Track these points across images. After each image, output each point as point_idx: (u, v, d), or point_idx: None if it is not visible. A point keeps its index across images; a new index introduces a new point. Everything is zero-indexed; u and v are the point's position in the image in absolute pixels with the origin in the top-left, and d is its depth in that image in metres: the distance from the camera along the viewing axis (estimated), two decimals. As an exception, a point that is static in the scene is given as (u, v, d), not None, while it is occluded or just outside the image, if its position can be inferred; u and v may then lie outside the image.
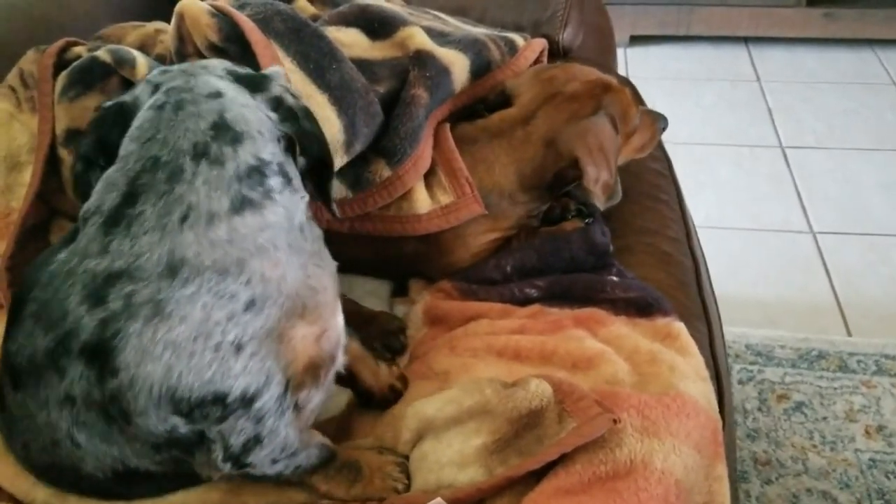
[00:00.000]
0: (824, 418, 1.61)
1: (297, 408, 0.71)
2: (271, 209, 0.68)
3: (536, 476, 0.74)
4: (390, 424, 0.85)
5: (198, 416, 0.64)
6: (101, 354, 0.63)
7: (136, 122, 0.70)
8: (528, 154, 1.04)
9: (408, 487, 0.79)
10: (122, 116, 0.72)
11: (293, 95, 0.76)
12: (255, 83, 0.75)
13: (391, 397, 0.92)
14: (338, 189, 1.00)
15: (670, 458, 0.73)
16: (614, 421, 0.74)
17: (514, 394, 0.80)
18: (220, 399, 0.64)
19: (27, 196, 0.95)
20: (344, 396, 0.95)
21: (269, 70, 0.79)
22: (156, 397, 0.63)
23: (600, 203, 1.03)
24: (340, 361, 0.78)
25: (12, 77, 1.04)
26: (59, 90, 0.98)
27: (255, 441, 0.68)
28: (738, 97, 2.71)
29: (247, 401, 0.65)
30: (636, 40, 2.98)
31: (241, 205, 0.66)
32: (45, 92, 0.99)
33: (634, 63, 2.90)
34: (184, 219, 0.64)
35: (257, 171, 0.68)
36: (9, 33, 1.11)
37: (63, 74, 0.99)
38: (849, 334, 1.83)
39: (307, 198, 0.74)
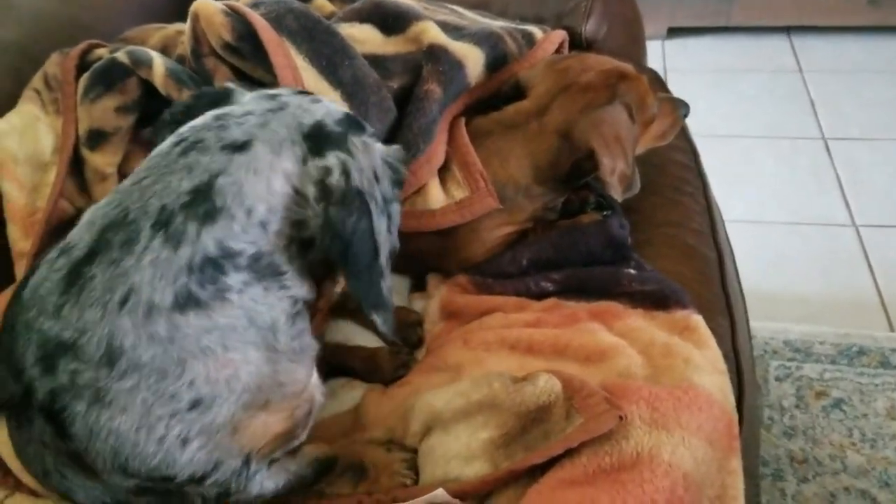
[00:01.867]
0: (864, 415, 1.56)
1: (274, 459, 0.70)
2: (222, 311, 0.62)
3: (541, 468, 0.73)
4: (400, 417, 0.85)
5: (157, 483, 0.63)
6: (55, 420, 0.62)
7: (153, 152, 0.68)
8: (543, 146, 1.03)
9: (416, 482, 0.79)
10: (215, 102, 0.72)
11: (351, 174, 0.65)
12: (321, 143, 0.66)
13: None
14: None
15: (679, 451, 0.72)
16: (620, 417, 0.73)
17: (522, 388, 0.79)
18: (169, 478, 0.63)
19: (51, 195, 0.97)
20: (359, 390, 0.95)
21: (360, 137, 0.69)
22: (110, 467, 0.62)
23: (617, 194, 1.01)
24: (320, 403, 0.75)
25: (37, 80, 1.06)
26: (81, 92, 1.00)
27: (227, 494, 0.67)
28: (780, 89, 2.65)
29: (197, 480, 0.64)
30: (674, 32, 2.93)
31: (185, 301, 0.60)
32: (69, 94, 1.01)
33: (673, 56, 2.86)
34: (123, 301, 0.60)
35: (212, 265, 0.61)
36: (35, 37, 1.13)
37: (84, 76, 1.01)
38: (891, 330, 1.78)
39: (300, 295, 0.67)
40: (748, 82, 2.70)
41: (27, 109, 1.03)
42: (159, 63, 0.98)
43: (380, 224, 0.66)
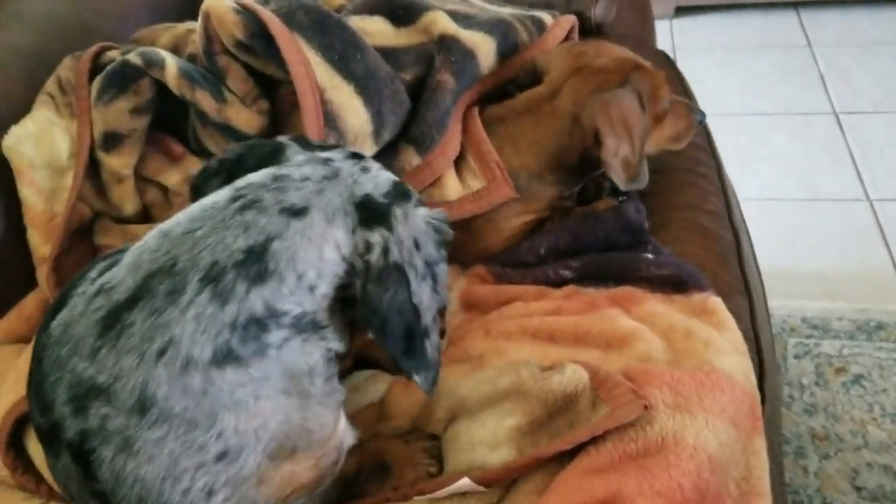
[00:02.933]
0: (884, 390, 1.56)
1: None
2: (259, 366, 0.62)
3: (567, 455, 0.74)
4: (424, 404, 0.86)
5: None
6: (82, 460, 0.62)
7: (201, 202, 0.67)
8: (554, 129, 1.03)
9: (440, 471, 0.79)
10: (267, 156, 0.71)
11: (390, 250, 0.66)
12: (370, 216, 0.67)
13: None
14: (368, 178, 1.01)
15: (703, 434, 0.72)
16: (645, 406, 0.73)
17: (550, 377, 0.79)
18: None
19: (69, 199, 0.98)
20: (384, 384, 0.96)
21: (403, 207, 0.69)
22: None
23: (620, 181, 1.01)
24: (349, 447, 0.74)
25: (50, 84, 1.07)
26: (94, 95, 1.01)
27: None
28: (790, 64, 2.63)
29: None
30: (682, 11, 2.91)
31: (224, 357, 0.60)
32: (83, 97, 1.02)
33: (681, 35, 2.84)
34: (162, 352, 0.60)
35: (257, 324, 0.61)
36: (48, 42, 1.14)
37: (97, 79, 1.01)
38: (909, 304, 1.77)
39: (336, 347, 0.68)
40: (758, 59, 2.68)
41: (42, 114, 1.04)
42: (171, 63, 0.98)
43: (421, 289, 0.67)
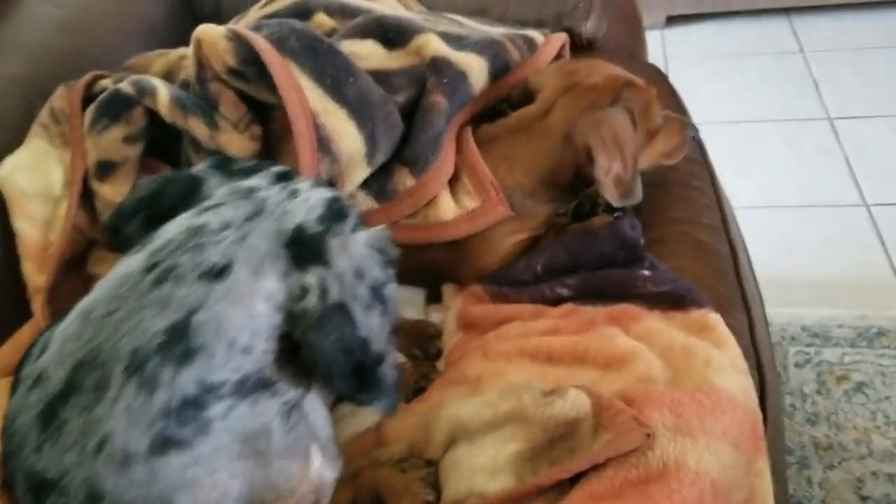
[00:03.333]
0: (887, 398, 1.56)
1: None
2: (206, 441, 0.59)
3: (569, 483, 0.73)
4: (423, 428, 0.85)
5: None
6: None
7: (117, 271, 0.62)
8: (546, 147, 1.03)
9: (438, 498, 0.79)
10: (182, 193, 0.67)
11: (329, 290, 0.62)
12: (302, 254, 0.63)
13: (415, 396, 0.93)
14: (363, 201, 1.01)
15: (705, 458, 0.72)
16: (647, 435, 0.73)
17: (552, 403, 0.79)
18: None
19: (63, 229, 0.98)
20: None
21: (340, 236, 0.65)
22: None
23: (613, 198, 1.00)
24: (331, 482, 0.72)
25: (44, 114, 1.07)
26: (87, 124, 1.01)
27: None
28: (783, 71, 2.63)
29: None
30: (673, 20, 2.91)
31: (163, 445, 0.57)
32: (76, 126, 1.02)
33: (673, 44, 2.85)
34: (99, 449, 0.57)
35: (193, 405, 0.58)
36: (42, 71, 1.14)
37: (90, 108, 1.01)
38: (909, 309, 1.77)
39: (293, 397, 0.64)
40: (750, 66, 2.68)
41: (36, 144, 1.04)
42: (163, 91, 0.98)
43: (369, 319, 0.63)
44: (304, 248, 0.63)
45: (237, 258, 0.61)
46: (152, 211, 0.67)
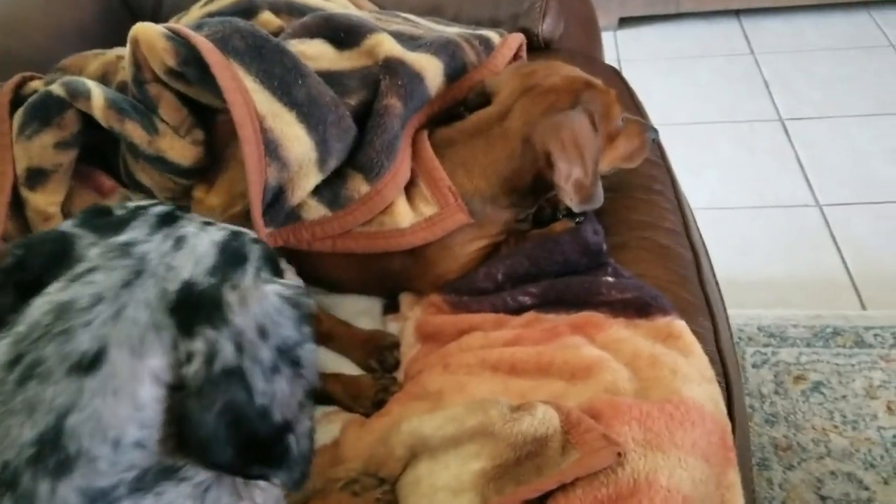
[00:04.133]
0: (844, 397, 1.56)
1: None
2: None
3: (537, 502, 0.70)
4: (382, 443, 0.81)
5: None
6: None
7: None
8: (506, 152, 0.99)
9: None
10: (52, 256, 0.57)
11: (217, 355, 0.53)
12: (191, 316, 0.54)
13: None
14: (315, 208, 0.97)
15: (676, 473, 0.69)
16: (619, 454, 0.70)
17: (520, 418, 0.75)
18: None
19: (-8, 241, 0.92)
20: (337, 424, 0.91)
21: (239, 285, 0.56)
22: None
23: (573, 204, 0.98)
24: None
25: (-31, 118, 1.00)
26: (16, 129, 0.95)
27: None
28: (734, 72, 2.65)
29: None
30: (625, 22, 2.92)
31: None
32: (3, 132, 0.96)
33: (625, 46, 2.85)
34: None
35: None
36: (-33, 72, 1.07)
37: (19, 112, 0.95)
38: (863, 308, 1.78)
39: (206, 478, 0.56)
40: (702, 68, 2.70)
41: (-40, 150, 0.97)
42: (98, 94, 0.92)
43: (273, 385, 0.55)
44: (193, 310, 0.54)
45: (111, 340, 0.52)
46: (21, 279, 0.58)
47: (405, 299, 1.07)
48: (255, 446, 0.54)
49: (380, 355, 1.00)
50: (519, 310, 0.98)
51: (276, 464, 0.55)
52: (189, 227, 0.60)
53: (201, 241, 0.58)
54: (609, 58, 2.54)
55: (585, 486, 0.69)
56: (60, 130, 0.94)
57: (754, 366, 1.65)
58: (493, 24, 1.28)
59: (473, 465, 0.74)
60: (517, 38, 1.16)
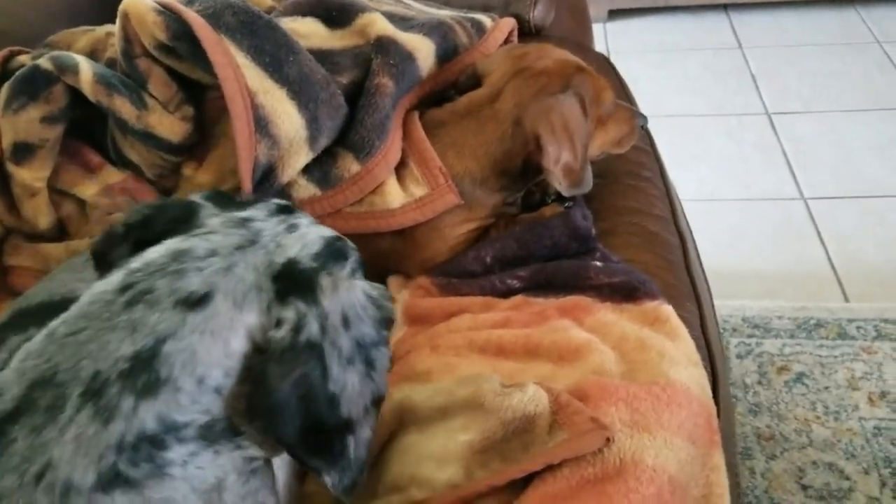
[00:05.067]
0: (826, 388, 1.57)
1: None
2: (157, 488, 0.53)
3: (522, 482, 0.70)
4: None
5: None
6: None
7: (91, 290, 0.57)
8: (497, 133, 0.99)
9: None
10: (177, 220, 0.61)
11: (305, 326, 0.56)
12: (288, 288, 0.57)
13: None
14: (305, 187, 0.96)
15: (662, 454, 0.69)
16: (608, 439, 0.69)
17: (510, 394, 0.75)
18: None
19: (-24, 216, 0.90)
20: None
21: (333, 275, 0.59)
22: None
23: (562, 188, 0.98)
24: None
25: (-46, 92, 0.99)
26: (2, 103, 0.93)
27: None
28: (722, 66, 2.66)
29: None
30: (615, 14, 2.93)
31: (110, 483, 0.52)
32: (-11, 105, 0.94)
33: (614, 38, 2.85)
34: (40, 476, 0.51)
35: (150, 442, 0.53)
36: (-49, 45, 1.05)
37: (6, 86, 0.94)
38: (846, 300, 1.80)
39: (258, 454, 0.59)
40: (691, 61, 2.71)
41: (-55, 124, 0.96)
42: (86, 68, 0.91)
43: (345, 374, 0.57)
44: (291, 282, 0.58)
45: (219, 288, 0.56)
46: (142, 237, 0.62)
47: (393, 282, 1.06)
48: (318, 433, 0.56)
49: None
50: (507, 293, 0.98)
51: (333, 461, 0.57)
52: (303, 219, 0.65)
53: (311, 231, 0.63)
54: (598, 49, 2.54)
55: (572, 465, 0.69)
56: (48, 105, 0.92)
57: (738, 356, 1.66)
58: (485, 8, 1.27)
59: (461, 437, 0.73)
60: (509, 23, 1.16)
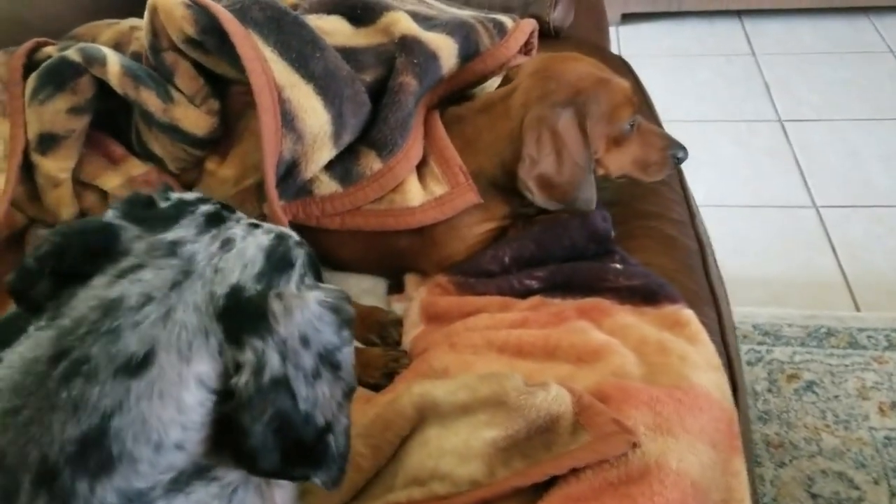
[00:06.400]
0: (836, 397, 1.57)
1: None
2: None
3: (545, 484, 0.70)
4: (391, 403, 0.80)
5: None
6: None
7: (23, 351, 0.53)
8: (506, 130, 0.99)
9: None
10: (95, 247, 0.56)
11: (265, 367, 0.53)
12: (238, 323, 0.54)
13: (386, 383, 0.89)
14: (327, 184, 0.96)
15: (686, 458, 0.69)
16: (634, 444, 0.69)
17: (534, 392, 0.75)
18: None
19: (1, 205, 0.91)
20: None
21: (284, 291, 0.56)
22: None
23: (536, 199, 0.98)
24: None
25: (-20, 82, 0.99)
26: (29, 93, 0.94)
27: None
28: (734, 72, 2.66)
29: None
30: (628, 18, 2.92)
31: None
32: (16, 95, 0.94)
33: (627, 42, 2.85)
34: None
35: None
36: (-24, 36, 1.06)
37: (33, 76, 0.94)
38: (857, 309, 1.80)
39: (234, 479, 0.57)
40: (703, 66, 2.70)
41: (-29, 114, 0.96)
42: (114, 60, 0.92)
43: (314, 390, 0.55)
44: (240, 317, 0.54)
45: (160, 342, 0.52)
46: (58, 268, 0.56)
47: (410, 280, 1.07)
48: (299, 449, 0.54)
49: (382, 330, 1.00)
50: (525, 293, 0.98)
51: (318, 464, 0.56)
52: (236, 228, 0.60)
53: (248, 244, 0.58)
54: (611, 53, 2.55)
55: (595, 468, 0.69)
56: (74, 96, 0.93)
57: (748, 363, 1.66)
58: (505, 9, 1.28)
59: (485, 434, 0.73)
60: (530, 24, 1.16)
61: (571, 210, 1.00)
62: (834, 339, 1.69)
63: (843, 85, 2.54)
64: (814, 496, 1.41)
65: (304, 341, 0.55)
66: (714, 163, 2.26)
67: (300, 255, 0.60)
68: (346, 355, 0.59)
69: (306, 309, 0.56)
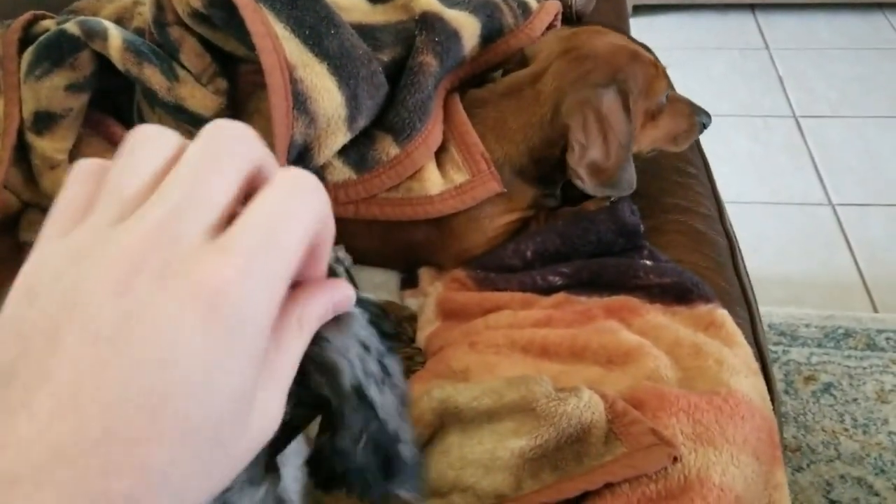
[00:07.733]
0: (854, 400, 1.53)
1: None
2: None
3: (576, 498, 0.64)
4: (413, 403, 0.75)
5: None
6: None
7: None
8: (536, 117, 0.93)
9: None
10: None
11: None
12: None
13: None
14: (340, 170, 0.91)
15: (729, 471, 0.64)
16: (675, 459, 0.64)
17: (565, 399, 0.69)
18: None
19: (-8, 187, 0.85)
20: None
21: None
22: None
23: (585, 186, 0.92)
24: None
25: (-27, 55, 0.93)
26: (24, 69, 0.88)
27: None
28: (749, 66, 2.60)
29: None
30: (640, 10, 2.87)
31: None
32: (11, 71, 0.88)
33: (639, 34, 2.74)
34: None
35: None
36: (-30, 7, 1.00)
37: (29, 51, 0.88)
38: (875, 310, 1.75)
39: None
40: (716, 60, 2.65)
41: (-38, 90, 0.90)
42: (116, 35, 0.86)
43: (383, 398, 0.48)
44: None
45: None
46: None
47: (425, 274, 1.01)
48: (386, 464, 0.49)
49: (396, 326, 0.95)
50: (549, 290, 0.92)
51: (400, 476, 0.51)
52: None
53: None
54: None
55: (632, 482, 0.63)
56: (73, 72, 0.87)
57: (764, 364, 1.62)
58: (526, -8, 1.22)
59: (512, 443, 0.68)
60: (555, 5, 1.10)
61: (617, 194, 0.96)
62: (852, 340, 1.65)
63: (859, 81, 2.49)
64: (832, 502, 1.37)
65: (365, 347, 0.51)
66: (729, 158, 2.21)
67: (339, 270, 0.56)
68: (394, 363, 0.54)
69: (353, 318, 0.52)
